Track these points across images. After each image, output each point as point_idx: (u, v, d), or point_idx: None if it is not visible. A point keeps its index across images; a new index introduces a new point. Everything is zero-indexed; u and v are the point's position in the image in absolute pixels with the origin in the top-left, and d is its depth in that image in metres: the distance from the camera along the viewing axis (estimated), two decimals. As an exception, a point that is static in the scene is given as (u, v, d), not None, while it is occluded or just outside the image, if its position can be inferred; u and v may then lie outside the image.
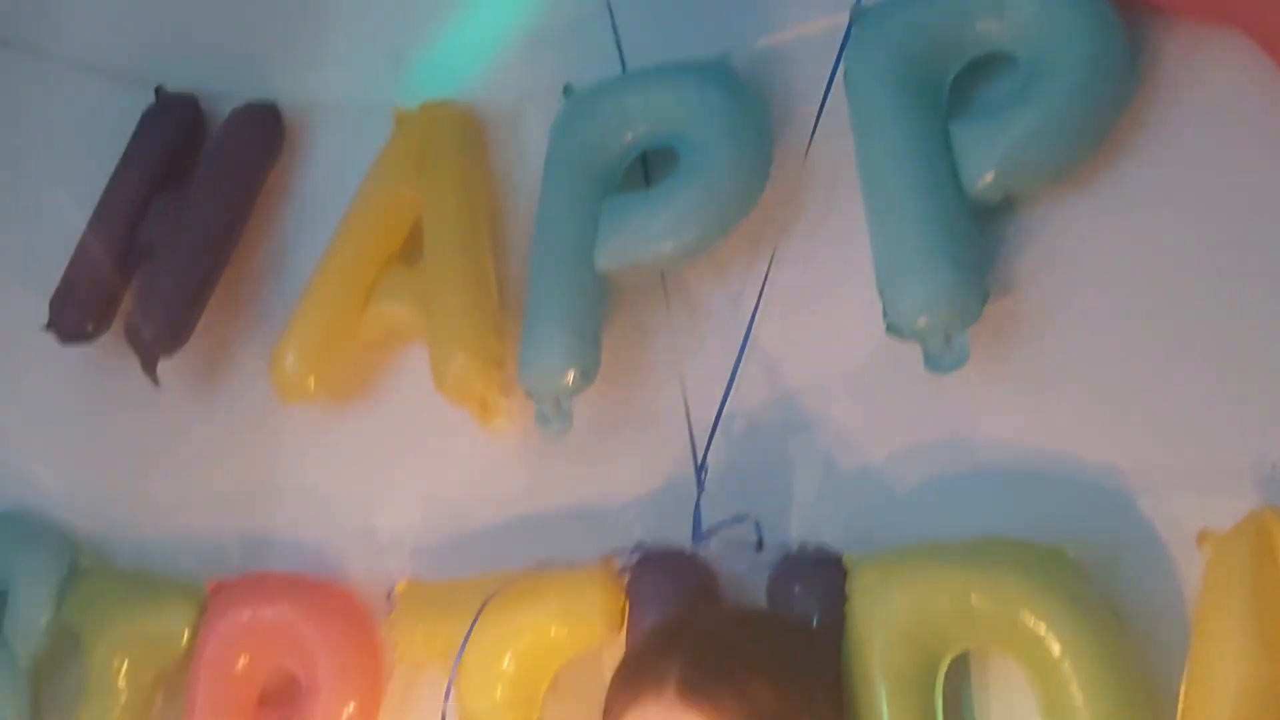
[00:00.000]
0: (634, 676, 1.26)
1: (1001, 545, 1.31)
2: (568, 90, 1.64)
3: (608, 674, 1.35)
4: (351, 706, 1.63)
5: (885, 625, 1.31)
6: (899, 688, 1.30)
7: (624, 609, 1.45)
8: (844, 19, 1.46)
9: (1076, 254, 1.37)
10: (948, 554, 1.32)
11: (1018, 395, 1.38)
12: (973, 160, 1.37)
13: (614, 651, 1.43)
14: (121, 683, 1.73)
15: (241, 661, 1.68)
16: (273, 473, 1.78)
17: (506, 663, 1.50)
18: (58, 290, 1.88)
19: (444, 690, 1.54)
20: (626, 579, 1.46)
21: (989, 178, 1.36)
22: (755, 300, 1.51)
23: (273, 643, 1.68)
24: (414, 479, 1.71)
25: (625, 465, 1.58)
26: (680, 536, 1.48)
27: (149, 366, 1.80)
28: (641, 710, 1.22)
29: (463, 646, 1.52)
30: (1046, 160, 1.36)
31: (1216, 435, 1.28)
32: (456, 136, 1.74)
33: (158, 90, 1.94)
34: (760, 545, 1.43)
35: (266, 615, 1.69)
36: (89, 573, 1.82)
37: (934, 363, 1.35)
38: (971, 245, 1.36)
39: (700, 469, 1.49)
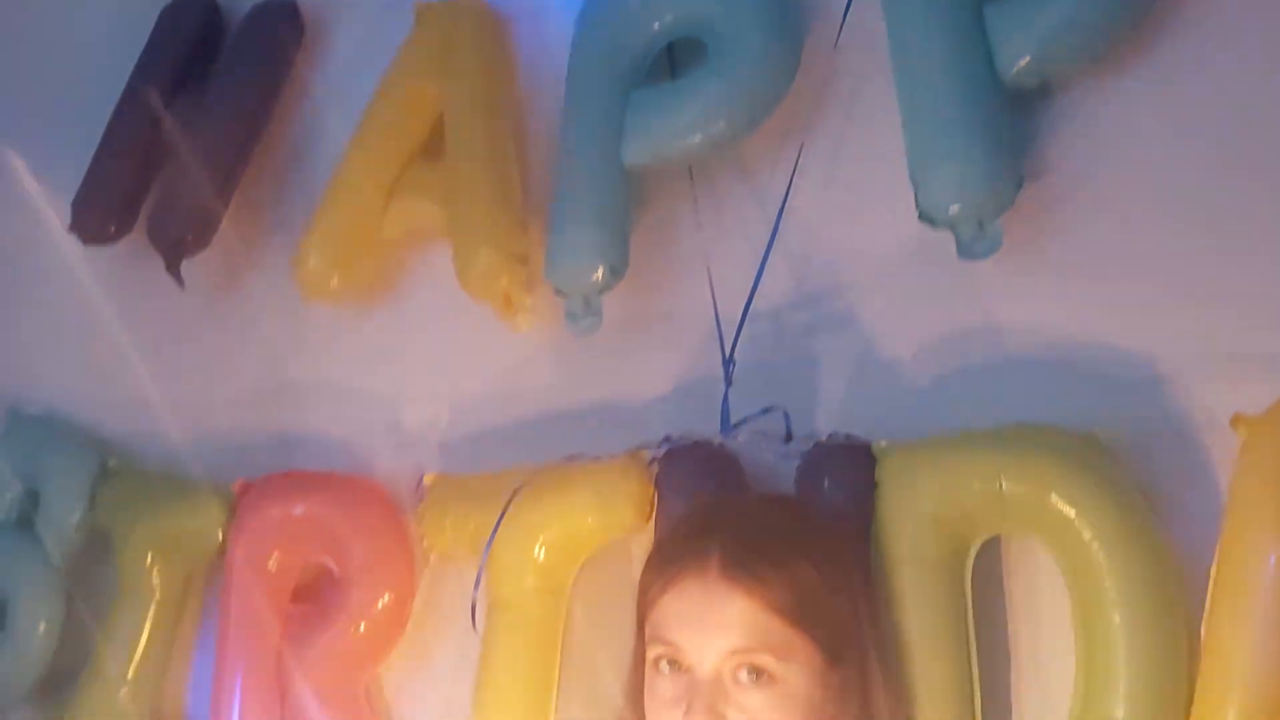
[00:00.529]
0: (673, 557, 1.26)
1: (1032, 430, 1.30)
2: (593, -20, 1.62)
3: (637, 564, 1.37)
4: (387, 597, 1.65)
5: (915, 511, 1.32)
6: (928, 573, 1.31)
7: (653, 499, 1.46)
8: (876, -97, 1.44)
9: (1112, 138, 1.35)
10: (978, 439, 1.32)
11: (1050, 282, 1.37)
12: (1008, 44, 1.34)
13: (642, 542, 1.45)
14: (154, 581, 1.75)
15: (274, 558, 1.70)
16: (298, 371, 1.79)
17: (536, 551, 1.51)
18: (79, 192, 1.87)
19: (474, 579, 1.57)
20: (655, 470, 1.47)
21: (1024, 62, 1.34)
22: (784, 193, 1.50)
23: (305, 538, 1.70)
24: (440, 375, 1.71)
25: (652, 361, 1.58)
26: (708, 431, 1.48)
27: (173, 267, 1.80)
28: (681, 590, 1.23)
29: (492, 536, 1.53)
30: (1083, 42, 1.34)
31: (1250, 320, 1.28)
32: (478, 30, 1.72)
33: (176, -11, 1.92)
34: (789, 436, 1.43)
35: (298, 511, 1.70)
36: (118, 473, 1.84)
37: (967, 250, 1.34)
38: (1006, 130, 1.35)
39: (728, 362, 1.48)
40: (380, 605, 1.64)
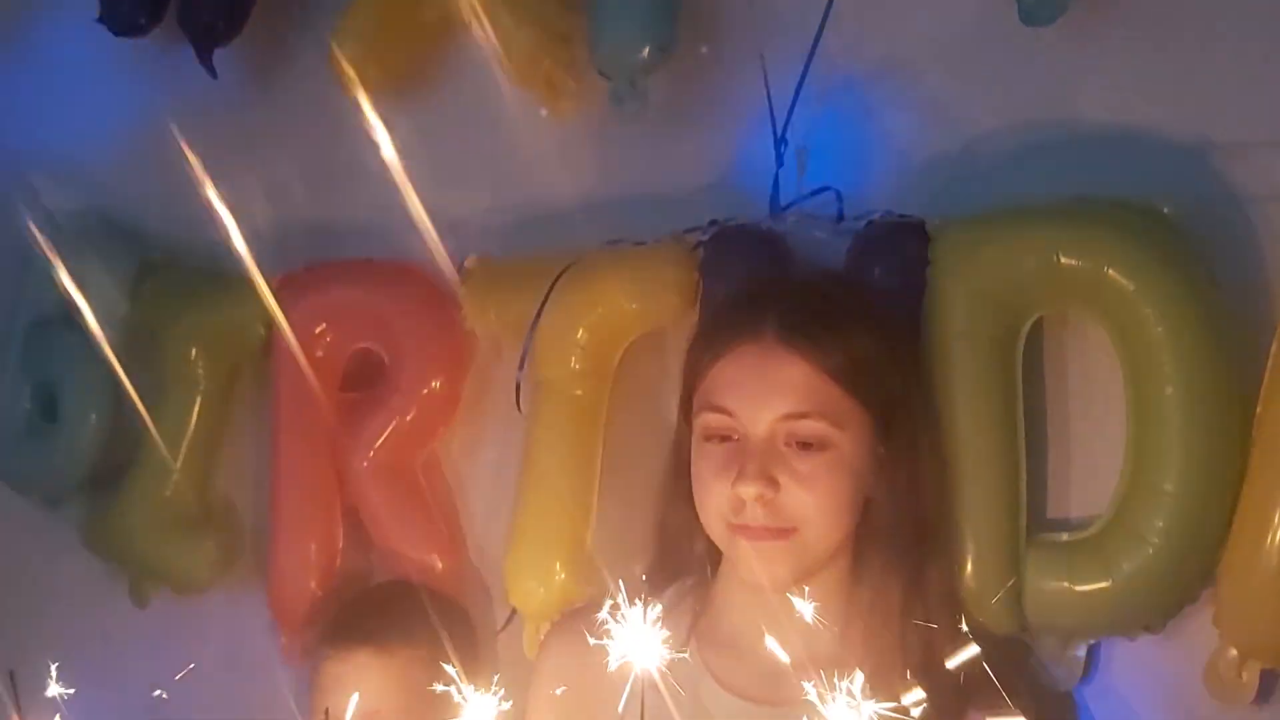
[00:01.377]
0: (726, 325, 1.25)
1: (1091, 203, 1.28)
2: None
3: (680, 350, 1.36)
4: (437, 382, 1.65)
5: (968, 288, 1.30)
6: (980, 351, 1.30)
7: (697, 284, 1.45)
8: None
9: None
10: (1035, 213, 1.29)
11: (1113, 54, 1.33)
12: None
13: (685, 328, 1.43)
14: (200, 373, 1.77)
15: (322, 347, 1.70)
16: (337, 161, 1.75)
17: (579, 335, 1.51)
18: (109, -17, 1.82)
19: (517, 362, 1.57)
20: (699, 255, 1.45)
21: None
22: (838, -34, 1.44)
23: (352, 325, 1.70)
24: (481, 162, 1.68)
25: (699, 145, 1.55)
26: (757, 215, 1.45)
27: (204, 56, 1.76)
28: (736, 356, 1.22)
29: (536, 319, 1.53)
30: None
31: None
32: None
33: None
34: (840, 217, 1.41)
35: (344, 298, 1.71)
36: (160, 268, 1.84)
37: (1031, 15, 1.29)
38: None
39: (779, 142, 1.45)
40: (432, 388, 1.65)
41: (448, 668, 0.90)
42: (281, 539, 1.70)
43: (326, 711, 1.42)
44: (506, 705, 0.89)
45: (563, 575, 1.50)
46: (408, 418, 1.65)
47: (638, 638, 0.90)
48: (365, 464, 1.66)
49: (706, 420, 1.24)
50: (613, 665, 0.91)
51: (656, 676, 0.90)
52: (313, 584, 1.68)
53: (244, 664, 1.77)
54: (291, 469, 1.70)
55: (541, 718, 1.33)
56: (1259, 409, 1.23)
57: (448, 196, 1.63)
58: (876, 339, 1.23)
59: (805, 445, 1.20)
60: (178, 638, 1.81)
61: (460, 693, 0.87)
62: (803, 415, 1.19)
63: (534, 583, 1.51)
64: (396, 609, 1.51)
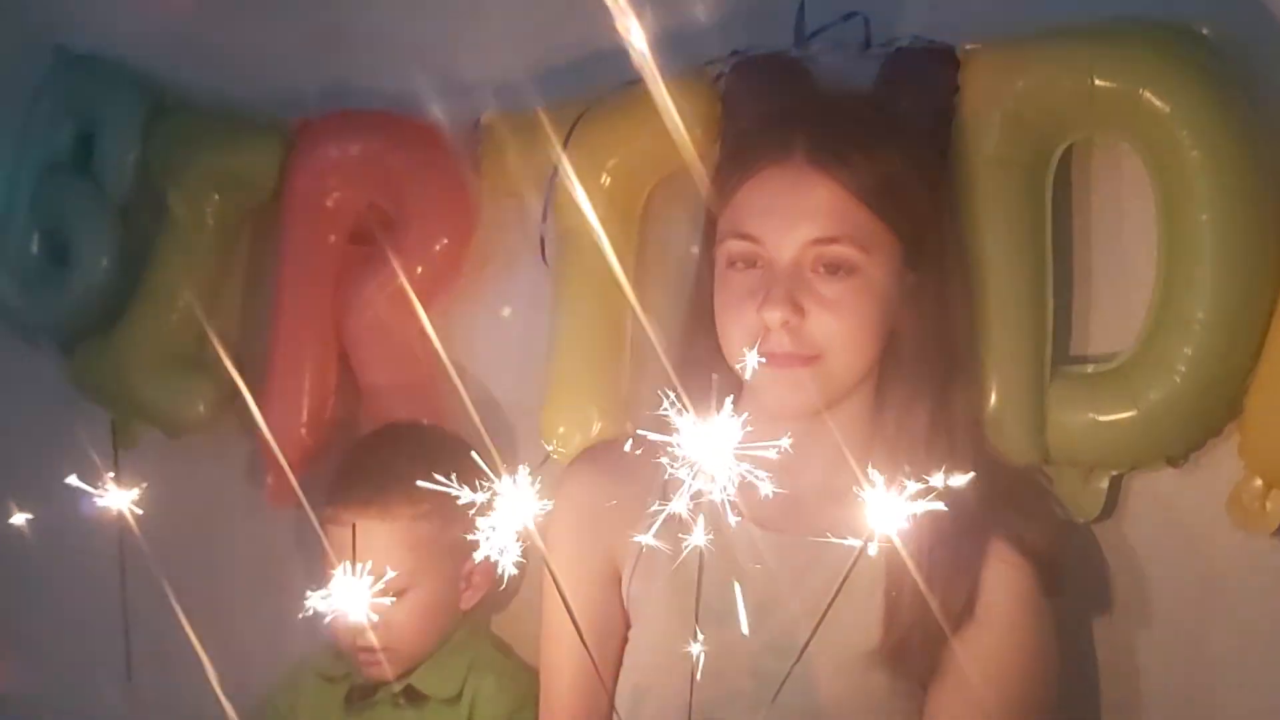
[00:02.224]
0: (753, 148, 1.21)
1: (1127, 24, 1.24)
2: None
3: (702, 189, 1.33)
4: (444, 241, 1.63)
5: (1000, 111, 1.27)
6: (1009, 177, 1.28)
7: (720, 116, 1.41)
8: None
9: None
10: (1069, 34, 1.26)
11: None
12: None
13: (710, 166, 1.40)
14: (209, 219, 1.74)
15: (332, 196, 1.68)
16: (349, 17, 1.71)
17: (603, 179, 1.48)
18: None
19: (540, 214, 1.54)
20: (721, 86, 1.42)
21: None
22: None
23: (363, 178, 1.66)
24: (493, 18, 1.63)
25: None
26: (781, 45, 1.41)
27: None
28: (762, 180, 1.19)
29: (556, 167, 1.50)
30: None
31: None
32: None
33: None
34: (868, 44, 1.36)
35: (356, 150, 1.67)
36: (173, 112, 1.79)
37: None
38: None
39: (804, -34, 1.40)
40: (437, 247, 1.63)
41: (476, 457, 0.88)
42: (276, 383, 1.69)
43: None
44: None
45: (599, 422, 1.49)
46: (411, 275, 1.62)
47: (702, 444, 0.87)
48: (365, 318, 1.64)
49: (731, 247, 1.22)
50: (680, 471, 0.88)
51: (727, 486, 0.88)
52: (303, 431, 1.67)
53: (228, 506, 1.79)
54: (292, 316, 1.68)
55: (561, 544, 1.34)
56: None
57: (462, 54, 1.59)
58: (907, 161, 1.20)
59: (832, 270, 1.17)
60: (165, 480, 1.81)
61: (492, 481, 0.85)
62: (831, 240, 1.17)
63: (571, 430, 1.50)
64: (405, 459, 1.48)
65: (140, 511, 1.21)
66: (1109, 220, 1.32)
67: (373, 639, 1.42)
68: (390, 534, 1.42)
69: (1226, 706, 1.29)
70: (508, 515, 0.87)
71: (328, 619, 1.00)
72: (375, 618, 1.24)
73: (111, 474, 1.21)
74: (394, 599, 1.41)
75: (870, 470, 0.86)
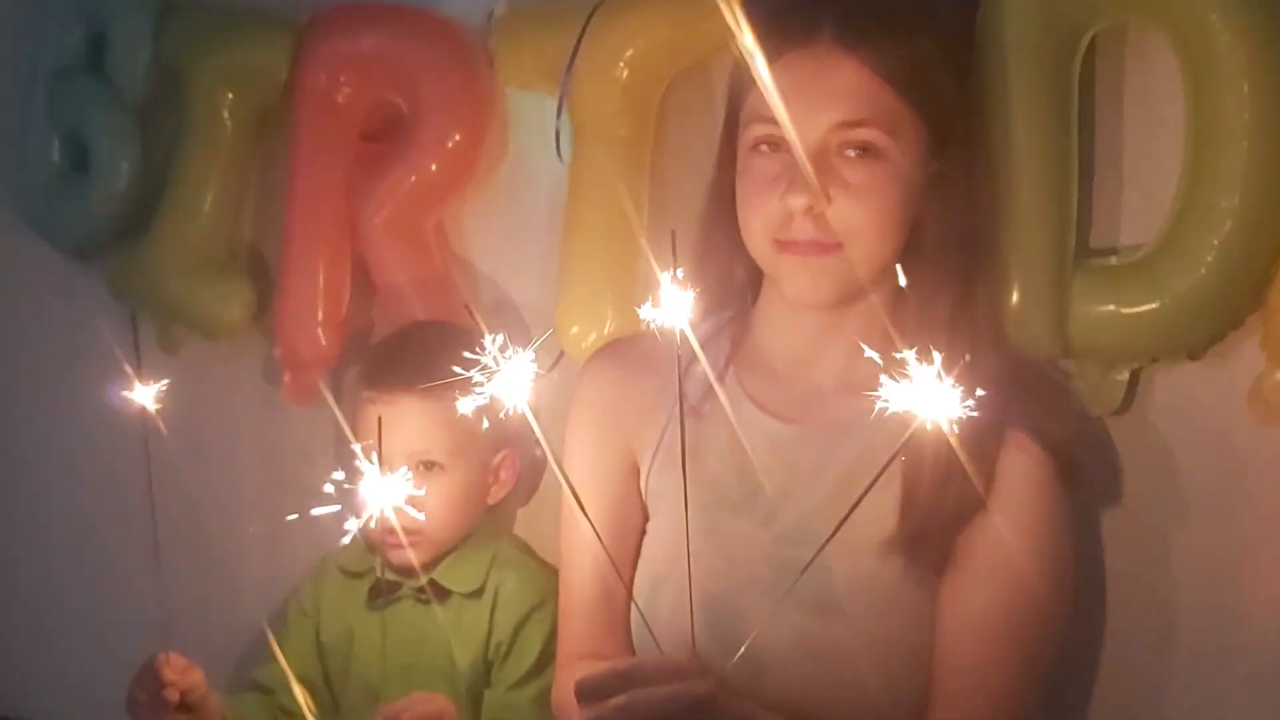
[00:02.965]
0: (778, 30, 1.17)
1: (1160, -96, 1.21)
2: None
3: (721, 83, 1.31)
4: (457, 137, 1.61)
5: (1026, -3, 1.24)
6: (1036, 65, 1.25)
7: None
8: None
9: None
10: (1101, -84, 1.22)
11: None
12: None
13: (724, 63, 1.38)
14: (225, 117, 1.73)
15: (343, 92, 1.66)
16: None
17: (619, 71, 1.46)
18: None
19: (555, 108, 1.53)
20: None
21: None
22: None
23: (374, 73, 1.65)
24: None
25: None
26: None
27: None
28: (788, 63, 1.16)
29: (572, 59, 1.49)
30: None
31: None
32: None
33: None
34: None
35: (367, 44, 1.65)
36: (182, 10, 1.77)
37: None
38: None
39: None
40: (451, 144, 1.61)
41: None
42: (290, 282, 1.69)
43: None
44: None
45: (612, 319, 1.49)
46: (424, 173, 1.62)
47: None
48: (378, 217, 1.63)
49: (756, 131, 1.19)
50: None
51: (690, 334, 0.89)
52: (319, 332, 1.68)
53: (248, 405, 1.82)
54: (305, 215, 1.68)
55: (580, 440, 1.34)
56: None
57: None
58: (935, 46, 1.18)
59: (860, 154, 1.16)
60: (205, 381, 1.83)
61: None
62: (858, 123, 1.15)
63: (585, 327, 1.50)
64: (435, 348, 1.51)
65: (158, 406, 1.25)
66: (1137, 109, 1.30)
67: (410, 515, 1.45)
68: (429, 413, 1.45)
69: (1247, 598, 1.29)
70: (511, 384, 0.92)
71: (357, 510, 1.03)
72: (419, 492, 1.29)
73: (134, 375, 1.25)
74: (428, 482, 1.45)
75: (914, 358, 0.87)
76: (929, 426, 0.89)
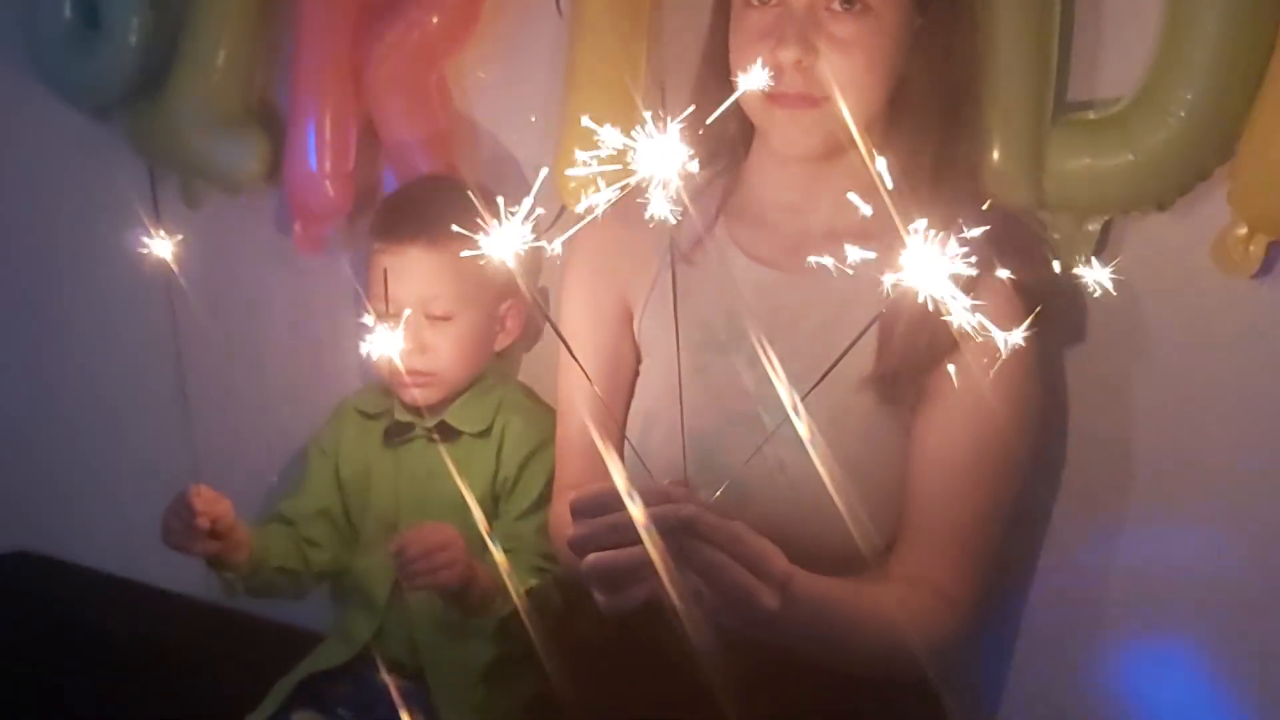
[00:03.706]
0: None
1: None
2: None
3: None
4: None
5: None
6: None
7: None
8: None
9: None
10: None
11: None
12: None
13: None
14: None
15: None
16: None
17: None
18: None
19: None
20: None
21: None
22: None
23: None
24: None
25: None
26: None
27: None
28: None
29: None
30: None
31: None
32: None
33: None
34: None
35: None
36: None
37: None
38: None
39: None
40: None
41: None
42: (298, 136, 1.74)
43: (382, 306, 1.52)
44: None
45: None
46: (426, 26, 1.65)
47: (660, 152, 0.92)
48: (381, 70, 1.67)
49: None
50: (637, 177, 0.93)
51: (679, 185, 0.94)
52: (327, 184, 1.73)
53: (268, 256, 1.89)
54: (312, 69, 1.72)
55: (577, 288, 1.41)
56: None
57: None
58: None
59: (847, 7, 1.20)
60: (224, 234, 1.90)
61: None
62: None
63: (585, 181, 1.52)
64: (443, 202, 1.56)
65: (178, 259, 1.30)
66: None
67: (421, 358, 1.53)
68: (440, 261, 1.52)
69: (1208, 435, 1.37)
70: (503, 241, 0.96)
71: (373, 352, 1.10)
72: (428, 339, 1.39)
73: (154, 229, 1.30)
74: (437, 328, 1.53)
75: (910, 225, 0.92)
76: (920, 296, 0.94)
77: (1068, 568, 1.46)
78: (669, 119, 0.91)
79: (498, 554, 1.40)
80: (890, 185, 1.03)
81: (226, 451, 1.77)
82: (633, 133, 0.92)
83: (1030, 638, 1.49)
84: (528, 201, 0.97)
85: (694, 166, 0.92)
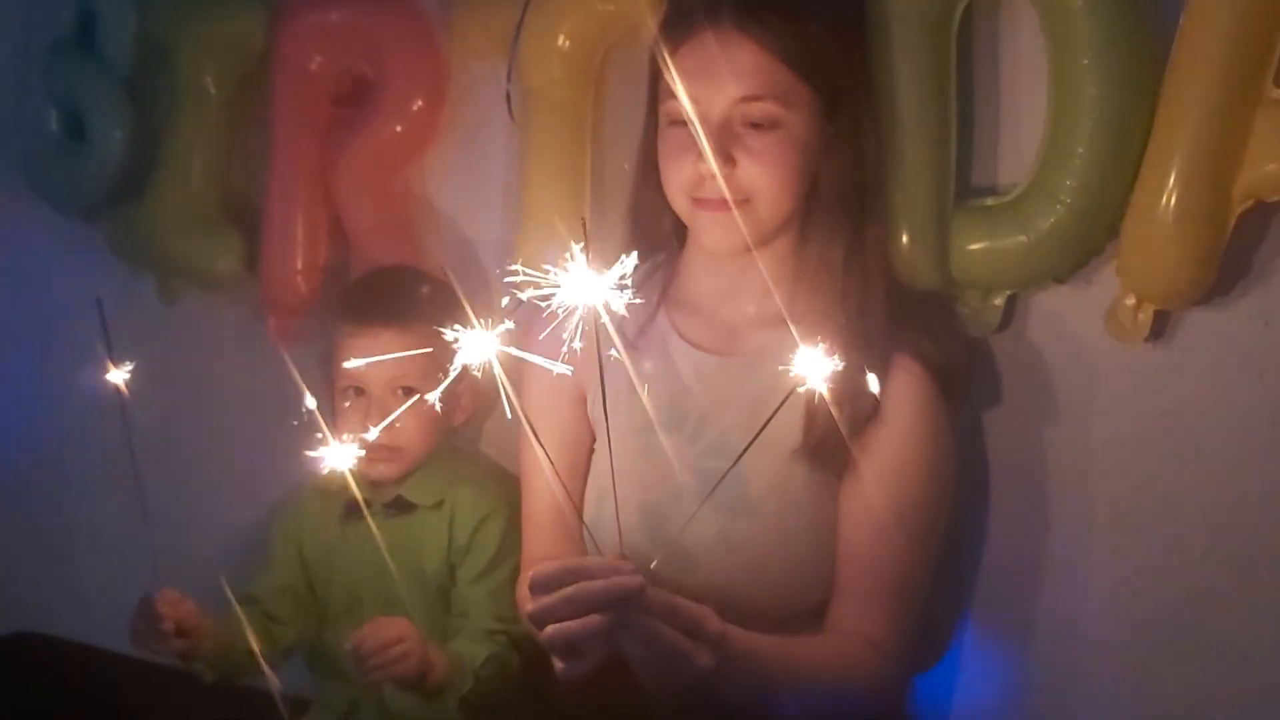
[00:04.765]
0: (686, 14, 1.34)
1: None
2: None
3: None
4: (419, 102, 1.79)
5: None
6: (917, 32, 1.42)
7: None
8: None
9: None
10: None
11: None
12: None
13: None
14: (209, 84, 1.89)
15: (315, 62, 1.83)
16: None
17: (560, 42, 1.64)
18: None
19: (505, 75, 1.70)
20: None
21: None
22: None
23: (343, 44, 1.82)
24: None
25: None
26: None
27: None
28: (695, 45, 1.33)
29: (518, 30, 1.65)
30: None
31: None
32: None
33: None
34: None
35: (336, 17, 1.81)
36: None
37: None
38: None
39: None
40: (414, 108, 1.79)
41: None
42: (274, 234, 1.86)
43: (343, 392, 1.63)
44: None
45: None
46: (390, 134, 1.79)
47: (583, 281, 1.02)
48: (350, 175, 1.81)
49: (670, 107, 1.37)
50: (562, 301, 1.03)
51: (602, 312, 1.02)
52: (299, 279, 1.86)
53: (241, 347, 2.00)
54: (285, 174, 1.85)
55: (537, 375, 1.52)
56: (1165, 80, 1.35)
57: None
58: (824, 24, 1.34)
59: (758, 125, 1.33)
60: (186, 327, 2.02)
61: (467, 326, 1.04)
62: (756, 98, 1.32)
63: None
64: (407, 289, 1.69)
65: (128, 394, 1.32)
66: (1008, 68, 1.47)
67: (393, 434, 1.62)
68: (410, 343, 1.58)
69: (1106, 487, 1.50)
70: (477, 348, 1.06)
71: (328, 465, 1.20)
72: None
73: (107, 357, 1.31)
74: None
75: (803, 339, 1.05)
76: (814, 390, 1.04)
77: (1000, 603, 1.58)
78: (591, 252, 1.01)
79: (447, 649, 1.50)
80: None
81: (193, 537, 1.85)
82: (564, 262, 1.02)
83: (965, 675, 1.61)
84: (503, 307, 1.07)
85: (616, 299, 1.02)
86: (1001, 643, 1.59)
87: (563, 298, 1.02)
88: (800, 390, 1.05)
